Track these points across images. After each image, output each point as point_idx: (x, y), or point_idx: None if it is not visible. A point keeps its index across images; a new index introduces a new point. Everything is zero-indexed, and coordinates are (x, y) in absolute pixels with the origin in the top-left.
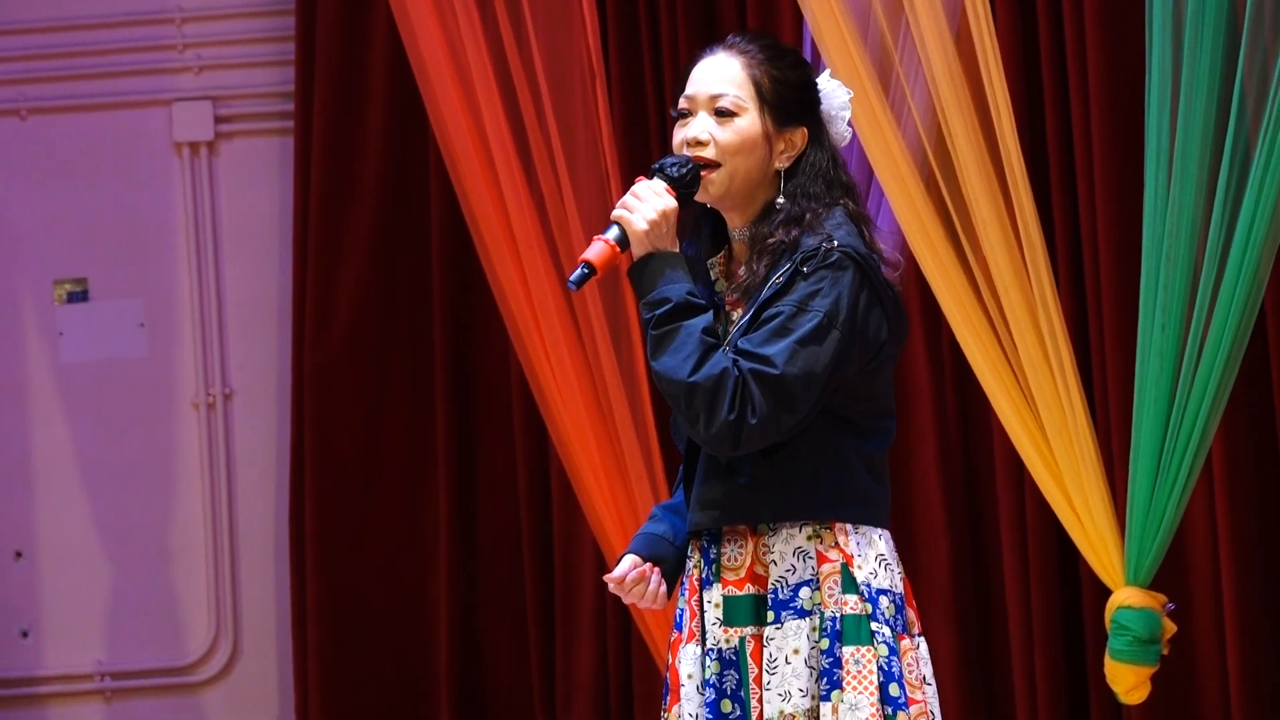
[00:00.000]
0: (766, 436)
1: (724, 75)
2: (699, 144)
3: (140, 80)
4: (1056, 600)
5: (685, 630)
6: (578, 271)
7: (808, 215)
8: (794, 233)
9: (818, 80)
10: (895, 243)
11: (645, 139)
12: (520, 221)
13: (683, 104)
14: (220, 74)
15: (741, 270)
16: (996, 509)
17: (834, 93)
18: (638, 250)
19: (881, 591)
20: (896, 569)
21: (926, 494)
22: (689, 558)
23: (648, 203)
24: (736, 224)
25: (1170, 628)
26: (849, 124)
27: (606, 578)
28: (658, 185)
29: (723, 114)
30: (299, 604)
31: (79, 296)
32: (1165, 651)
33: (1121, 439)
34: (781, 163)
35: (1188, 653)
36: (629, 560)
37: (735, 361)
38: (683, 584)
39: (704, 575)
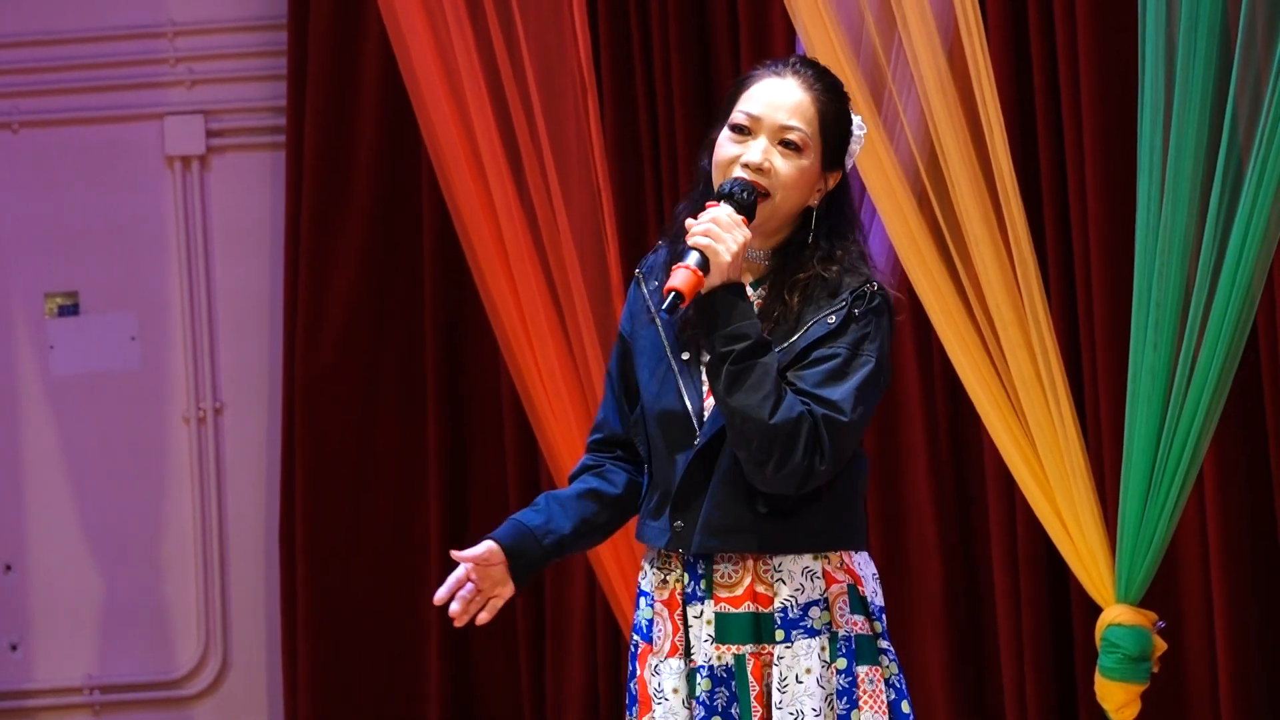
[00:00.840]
0: (823, 480)
1: (795, 106)
2: (759, 171)
3: (132, 94)
4: (1047, 617)
5: (666, 644)
6: (669, 301)
7: (838, 252)
8: (833, 269)
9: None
10: (888, 268)
11: (637, 153)
12: (511, 234)
13: (742, 119)
14: (212, 88)
15: (750, 290)
16: (987, 526)
17: (856, 126)
18: (716, 279)
19: (882, 610)
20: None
21: (918, 510)
22: (661, 570)
23: (731, 234)
24: (755, 245)
25: (1161, 645)
26: (854, 158)
27: (454, 554)
28: (735, 215)
29: (788, 146)
30: (289, 616)
31: (70, 310)
32: (1156, 669)
33: (1113, 456)
34: (814, 200)
35: (1178, 670)
36: (484, 549)
37: (808, 406)
38: (645, 594)
39: (688, 590)
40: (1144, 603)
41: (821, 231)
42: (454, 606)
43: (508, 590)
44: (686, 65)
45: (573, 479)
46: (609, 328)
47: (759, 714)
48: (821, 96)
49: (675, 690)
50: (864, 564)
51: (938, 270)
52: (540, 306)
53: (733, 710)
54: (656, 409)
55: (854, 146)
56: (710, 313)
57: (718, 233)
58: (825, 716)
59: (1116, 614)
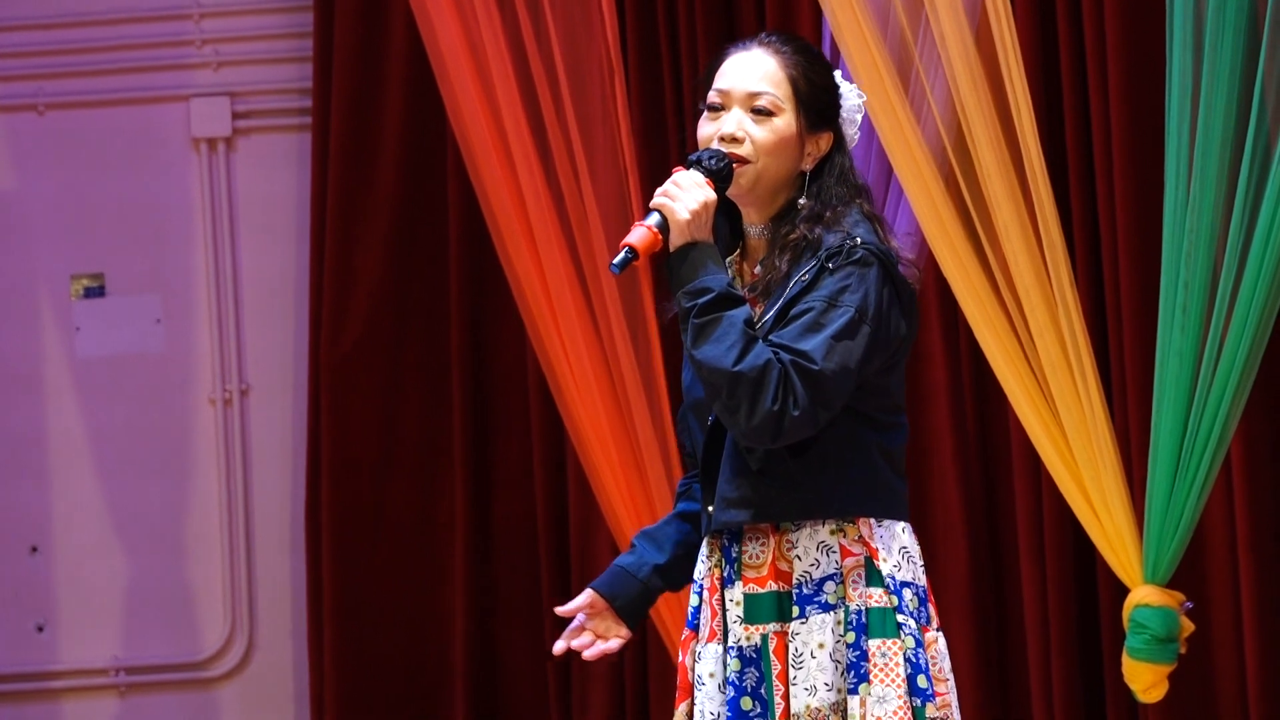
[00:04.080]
0: (804, 430)
1: (762, 73)
2: (734, 140)
3: (158, 76)
4: (1074, 598)
5: (706, 629)
6: (620, 255)
7: (827, 214)
8: (816, 230)
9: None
10: (913, 243)
11: (663, 135)
12: (538, 217)
13: (714, 98)
14: (238, 70)
15: (758, 268)
16: (1014, 507)
17: (848, 95)
18: (677, 239)
19: (905, 584)
20: (919, 562)
21: (944, 492)
22: (707, 558)
23: (690, 193)
24: (754, 220)
25: (1188, 626)
26: (859, 127)
27: (558, 610)
28: (698, 176)
29: (760, 113)
30: (315, 599)
31: (96, 292)
32: (1183, 650)
33: (1140, 437)
34: (807, 164)
35: (1205, 651)
36: (584, 598)
37: (776, 353)
38: (697, 583)
39: (725, 575)
40: (1171, 583)
41: (812, 192)
42: (559, 645)
43: (623, 632)
44: (713, 46)
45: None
46: (636, 310)
47: (780, 691)
48: (790, 59)
49: (712, 675)
50: (889, 537)
51: (965, 252)
52: (567, 289)
53: (761, 690)
54: (690, 399)
55: (850, 115)
56: (675, 270)
57: (676, 192)
58: (839, 690)
59: (1144, 595)
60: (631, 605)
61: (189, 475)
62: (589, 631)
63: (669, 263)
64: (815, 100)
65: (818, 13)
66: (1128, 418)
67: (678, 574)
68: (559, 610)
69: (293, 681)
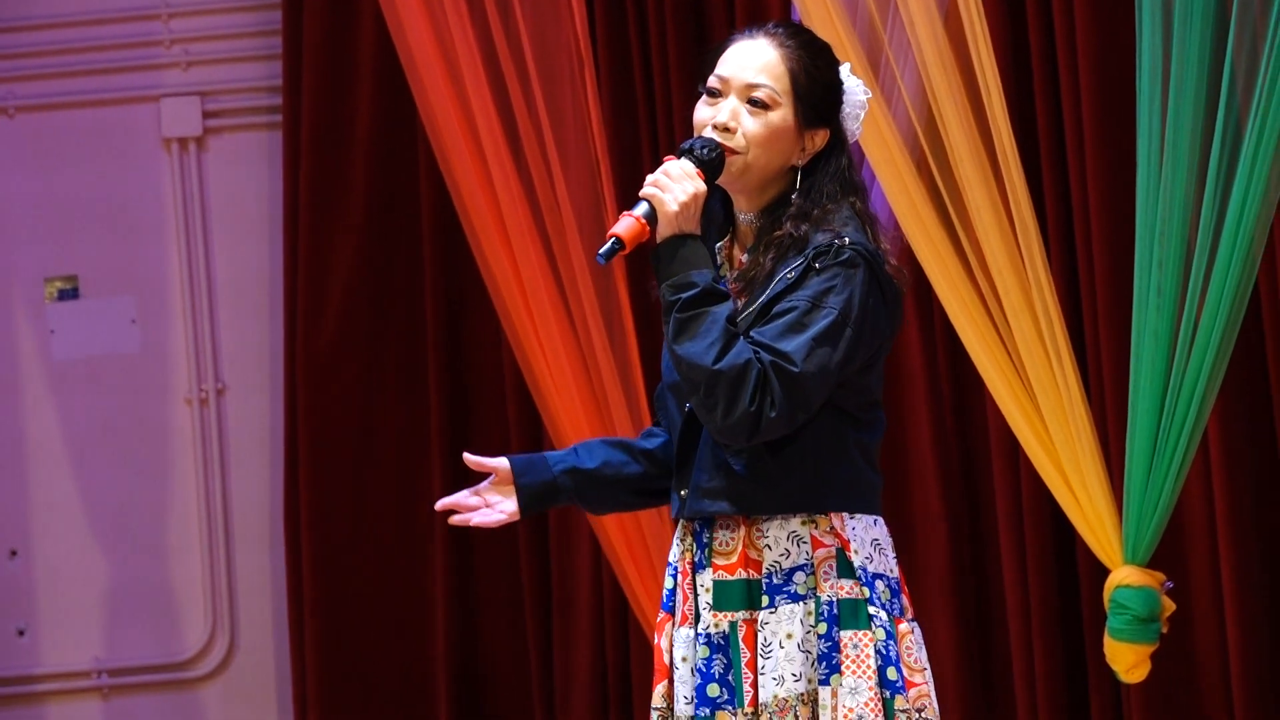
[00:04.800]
0: (779, 430)
1: (762, 64)
2: (727, 130)
3: (128, 77)
4: (1054, 580)
5: (679, 613)
6: (607, 245)
7: (815, 211)
8: (803, 228)
9: (843, 74)
10: (895, 236)
11: (634, 126)
12: (511, 210)
13: (714, 83)
14: (208, 69)
15: (744, 258)
16: (993, 491)
17: (854, 90)
18: (664, 230)
19: (877, 576)
20: (891, 554)
21: (922, 478)
22: (680, 541)
23: (679, 184)
24: (744, 208)
25: (1169, 606)
26: (860, 124)
27: (467, 457)
28: (689, 167)
29: (756, 104)
30: (295, 597)
31: (70, 294)
32: (1165, 630)
33: (1117, 418)
34: (800, 160)
35: (1187, 631)
36: (497, 461)
37: (757, 353)
38: (671, 565)
39: (697, 559)
40: (1151, 563)
41: (803, 190)
42: (444, 501)
43: (509, 506)
44: (682, 34)
45: None
46: (611, 301)
47: (749, 679)
48: (794, 54)
49: (684, 659)
50: (860, 528)
51: (938, 236)
52: (541, 281)
53: (729, 677)
54: (667, 380)
55: (854, 110)
56: (661, 262)
57: (665, 183)
58: (807, 680)
59: (1124, 575)
60: (533, 491)
61: (167, 475)
62: (482, 496)
63: (655, 254)
64: (814, 96)
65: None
66: (1104, 399)
67: (593, 490)
68: (468, 457)
69: (275, 680)
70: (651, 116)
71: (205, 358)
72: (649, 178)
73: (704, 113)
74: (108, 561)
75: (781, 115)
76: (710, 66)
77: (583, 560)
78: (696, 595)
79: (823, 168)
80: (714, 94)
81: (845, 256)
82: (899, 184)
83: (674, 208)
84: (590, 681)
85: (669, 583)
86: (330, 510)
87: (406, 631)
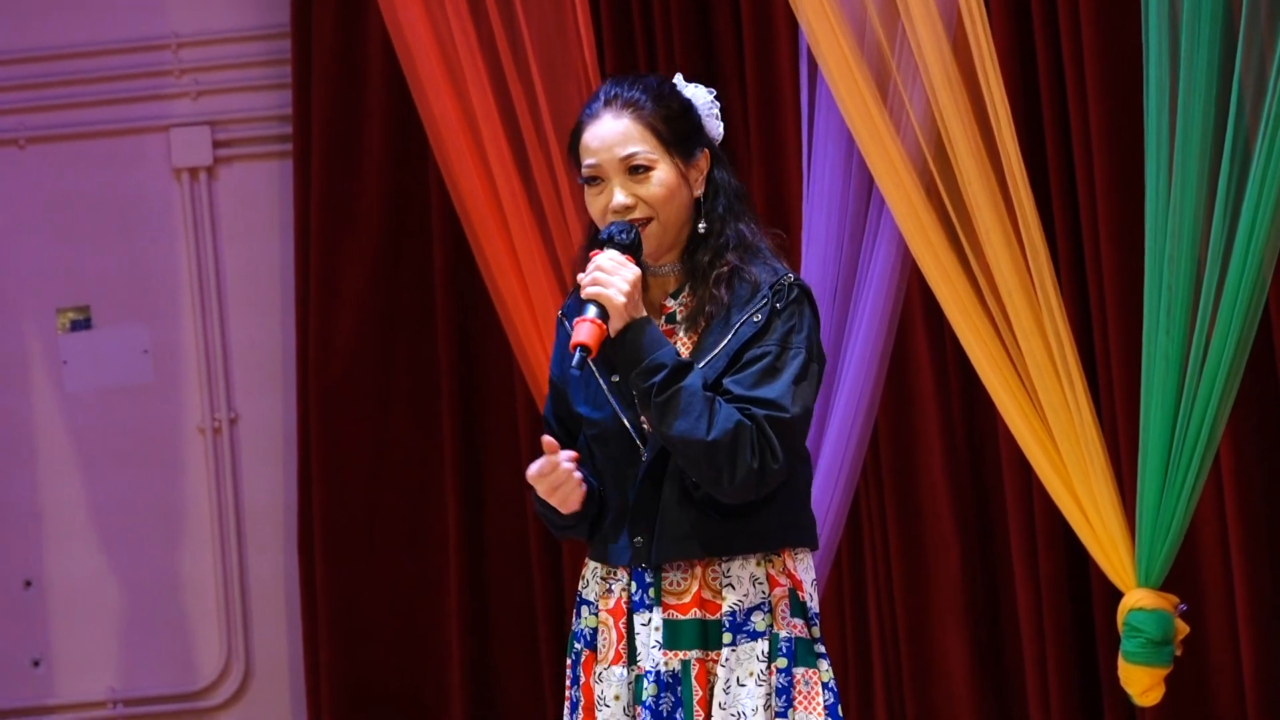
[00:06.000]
0: (781, 478)
1: (622, 134)
2: (627, 209)
3: (138, 107)
4: (1068, 604)
5: (610, 651)
6: (576, 358)
7: (749, 236)
8: (751, 270)
9: (683, 92)
10: (776, 233)
11: None
12: (520, 234)
13: (589, 171)
14: (218, 99)
15: (670, 300)
16: (1005, 514)
17: (697, 95)
18: (617, 322)
19: (815, 615)
20: (817, 592)
21: (934, 501)
22: (612, 580)
23: (618, 275)
24: (665, 259)
25: (1183, 629)
26: (720, 119)
27: (544, 442)
28: (617, 255)
29: (637, 171)
30: (310, 624)
31: (82, 324)
32: (1178, 653)
33: (1129, 441)
34: (698, 189)
35: (1201, 653)
36: (571, 453)
37: (744, 410)
38: (589, 602)
39: (635, 599)
40: (1165, 586)
41: (715, 214)
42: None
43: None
44: (689, 47)
45: None
46: None
47: (700, 716)
48: (639, 110)
49: (617, 697)
50: (805, 569)
51: (948, 259)
52: (551, 305)
53: (677, 715)
54: (599, 434)
55: (709, 116)
56: (622, 355)
57: (604, 279)
58: (764, 715)
59: (1138, 598)
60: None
61: (181, 504)
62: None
63: (613, 346)
64: (679, 135)
65: (793, 23)
66: (1116, 421)
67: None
68: (551, 443)
69: (290, 709)
70: None
71: (218, 387)
72: (584, 278)
73: (597, 202)
74: (122, 591)
75: (664, 169)
76: (574, 155)
77: None
78: (632, 634)
79: (715, 188)
80: (594, 181)
81: (794, 295)
82: (908, 207)
83: (620, 299)
84: None
85: (590, 620)
86: (344, 537)
87: (420, 657)
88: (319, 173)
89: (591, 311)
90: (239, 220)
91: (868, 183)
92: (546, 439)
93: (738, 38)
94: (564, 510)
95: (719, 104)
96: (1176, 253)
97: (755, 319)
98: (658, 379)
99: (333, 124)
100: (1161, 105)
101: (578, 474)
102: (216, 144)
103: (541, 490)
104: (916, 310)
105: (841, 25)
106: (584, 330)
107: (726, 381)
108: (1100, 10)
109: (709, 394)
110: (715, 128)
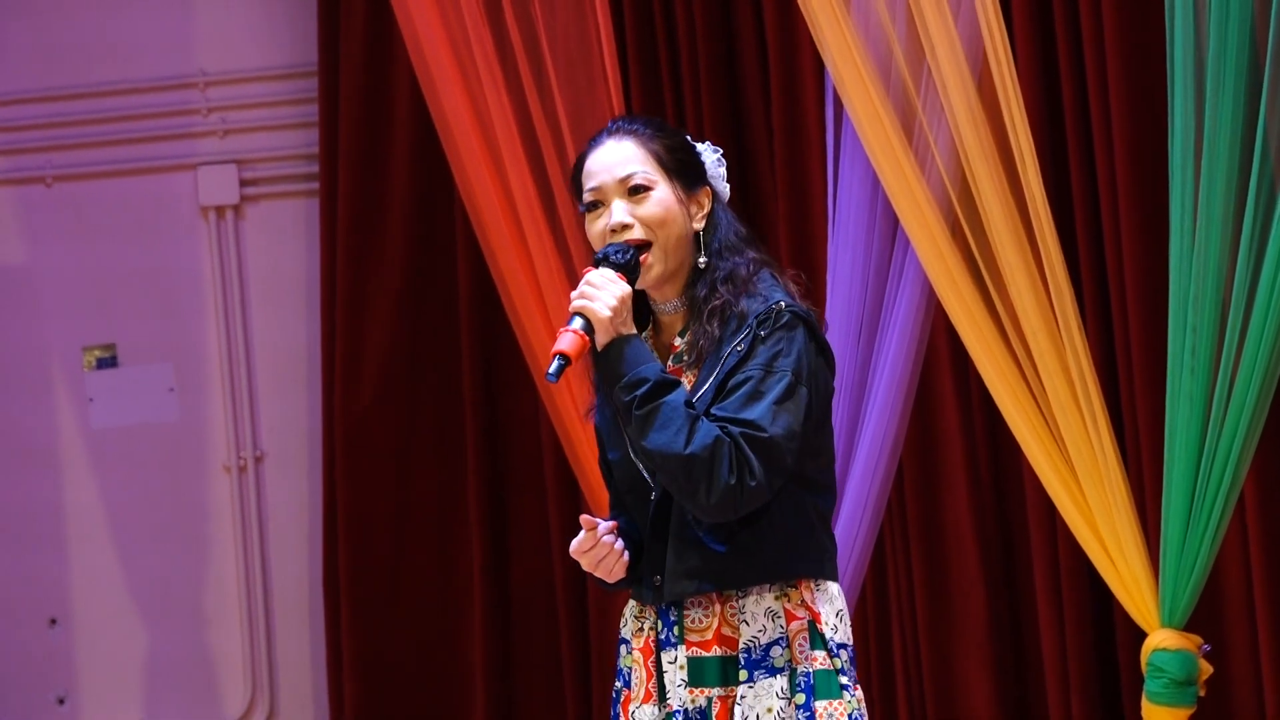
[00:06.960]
0: (760, 498)
1: (623, 157)
2: (625, 228)
3: (165, 145)
4: (1091, 643)
5: (641, 690)
6: (555, 365)
7: (743, 271)
8: (735, 289)
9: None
10: (796, 275)
11: None
12: (547, 276)
13: (590, 196)
14: (244, 137)
15: (678, 340)
16: (1029, 553)
17: (706, 154)
18: (602, 337)
19: (841, 645)
20: (849, 622)
21: (960, 541)
22: (643, 618)
23: (606, 290)
24: (670, 296)
25: (1206, 669)
26: (726, 181)
27: (583, 520)
28: (609, 273)
29: (637, 191)
30: (335, 663)
31: (108, 362)
32: (1202, 693)
33: (1153, 481)
34: (698, 223)
35: (1225, 693)
36: (609, 524)
37: (724, 428)
38: (626, 641)
39: (662, 637)
40: (1188, 626)
41: (713, 250)
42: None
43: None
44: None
45: None
46: None
47: None
48: (641, 135)
49: None
50: (825, 600)
51: (972, 299)
52: (563, 294)
53: None
54: (621, 474)
55: (714, 172)
56: (607, 366)
57: (592, 292)
58: None
59: (1161, 639)
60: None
61: (206, 543)
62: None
63: (597, 361)
64: (681, 164)
65: (819, 64)
66: (1140, 461)
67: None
68: (584, 518)
69: None
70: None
71: (244, 425)
72: (574, 292)
73: (597, 226)
74: (147, 630)
75: (664, 191)
76: (576, 189)
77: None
78: (661, 673)
79: (717, 224)
80: (594, 207)
81: (785, 320)
82: (933, 247)
83: (606, 313)
84: None
85: (627, 659)
86: (368, 577)
87: (446, 700)
88: (345, 211)
89: (576, 323)
90: (265, 258)
91: (893, 222)
92: (584, 517)
93: (764, 78)
94: (610, 580)
95: (724, 165)
96: (1201, 293)
97: (739, 349)
98: (640, 392)
99: (359, 163)
100: (1186, 147)
101: (619, 545)
102: (243, 182)
103: (585, 565)
104: (942, 349)
105: (867, 65)
106: (566, 340)
107: (714, 409)
108: (1125, 50)
109: (691, 411)
110: (721, 184)
